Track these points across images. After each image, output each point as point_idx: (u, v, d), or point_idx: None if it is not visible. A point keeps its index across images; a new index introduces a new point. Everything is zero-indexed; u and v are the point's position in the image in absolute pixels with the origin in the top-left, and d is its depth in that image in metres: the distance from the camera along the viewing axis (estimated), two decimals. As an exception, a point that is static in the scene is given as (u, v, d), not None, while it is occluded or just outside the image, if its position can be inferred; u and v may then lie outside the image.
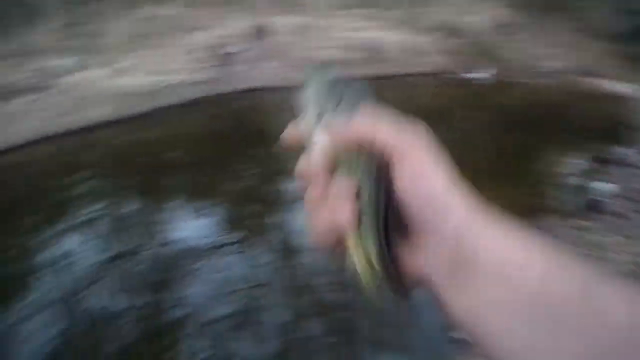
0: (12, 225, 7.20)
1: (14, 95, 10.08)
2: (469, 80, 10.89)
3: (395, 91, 10.29)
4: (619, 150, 6.77)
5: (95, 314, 4.82)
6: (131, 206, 7.25)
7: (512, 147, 7.50)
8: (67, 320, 4.85)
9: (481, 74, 10.83)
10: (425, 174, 0.29)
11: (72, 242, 6.29)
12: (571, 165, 6.82)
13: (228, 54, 9.15)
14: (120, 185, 8.00)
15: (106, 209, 7.06)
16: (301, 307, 4.32)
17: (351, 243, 0.31)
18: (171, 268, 5.23)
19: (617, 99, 9.81)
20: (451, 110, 9.20)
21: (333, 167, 0.33)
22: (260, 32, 9.34)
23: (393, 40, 11.97)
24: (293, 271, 4.83)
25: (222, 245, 5.40)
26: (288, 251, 5.23)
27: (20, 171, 8.89)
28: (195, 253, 5.23)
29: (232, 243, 5.45)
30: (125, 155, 8.84)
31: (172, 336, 4.31)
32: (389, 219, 0.30)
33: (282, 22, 10.21)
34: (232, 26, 9.84)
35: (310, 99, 0.35)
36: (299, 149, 0.35)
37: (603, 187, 5.08)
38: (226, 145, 8.38)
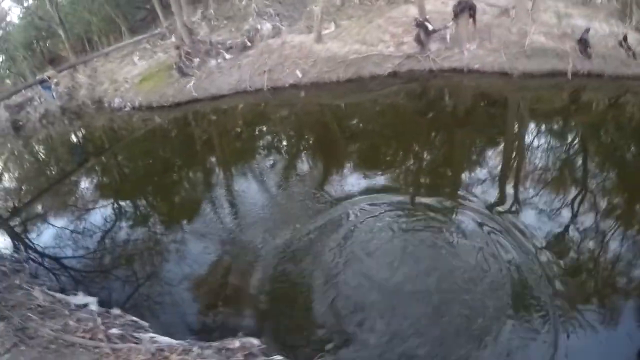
0: (194, 158, 8.44)
1: (227, 51, 11.60)
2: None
3: (607, 94, 8.99)
4: None
5: (243, 239, 5.35)
6: (302, 163, 7.78)
7: None
8: (221, 244, 5.45)
9: None
10: None
11: (243, 183, 7.05)
12: None
13: (431, 31, 9.10)
14: (298, 142, 8.65)
15: (280, 161, 7.74)
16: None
17: None
18: (320, 220, 5.35)
19: None
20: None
21: None
22: (465, 11, 9.03)
23: (603, 33, 10.47)
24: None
25: (373, 215, 5.28)
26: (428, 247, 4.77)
27: (223, 115, 10.34)
28: (346, 212, 5.36)
29: (379, 214, 5.28)
30: (308, 117, 9.51)
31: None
32: None
33: (488, 2, 9.72)
34: (438, 3, 9.72)
35: None
36: None
37: None
38: (411, 123, 8.33)
